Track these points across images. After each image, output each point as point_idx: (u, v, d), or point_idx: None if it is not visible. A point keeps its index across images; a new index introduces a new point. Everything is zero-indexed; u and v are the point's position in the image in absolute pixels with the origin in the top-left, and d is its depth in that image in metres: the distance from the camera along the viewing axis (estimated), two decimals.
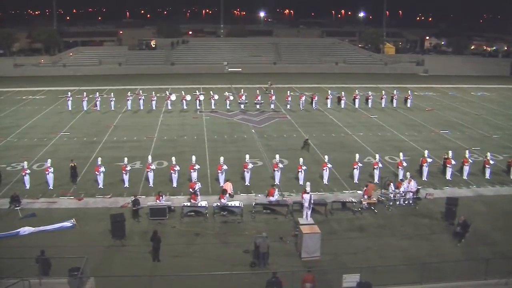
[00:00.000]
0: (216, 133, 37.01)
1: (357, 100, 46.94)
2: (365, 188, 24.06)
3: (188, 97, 45.68)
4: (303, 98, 46.03)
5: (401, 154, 27.70)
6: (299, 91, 52.56)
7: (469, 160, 27.90)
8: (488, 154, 28.48)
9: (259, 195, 24.74)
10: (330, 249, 19.50)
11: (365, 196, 23.69)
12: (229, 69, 71.31)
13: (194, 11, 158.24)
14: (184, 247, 19.76)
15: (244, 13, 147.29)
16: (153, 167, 26.22)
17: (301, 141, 35.10)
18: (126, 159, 26.63)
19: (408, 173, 25.57)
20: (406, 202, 24.16)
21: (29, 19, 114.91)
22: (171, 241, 20.18)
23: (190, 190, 23.50)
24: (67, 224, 21.23)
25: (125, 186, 25.90)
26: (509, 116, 44.20)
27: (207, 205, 22.51)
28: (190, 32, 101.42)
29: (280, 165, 26.45)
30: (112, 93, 46.23)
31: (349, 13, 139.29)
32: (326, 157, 27.41)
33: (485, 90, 58.72)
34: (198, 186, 23.46)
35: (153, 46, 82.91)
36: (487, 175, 27.83)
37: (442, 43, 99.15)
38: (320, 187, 26.18)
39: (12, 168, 28.54)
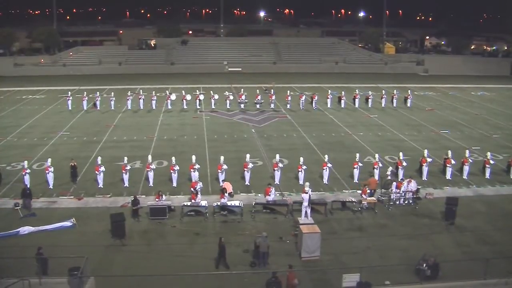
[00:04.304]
0: (216, 132, 37.01)
1: (357, 100, 46.94)
2: (363, 188, 24.08)
3: (188, 97, 45.71)
4: (303, 97, 46.02)
5: (400, 154, 27.71)
6: (299, 90, 52.55)
7: (469, 160, 27.89)
8: (489, 154, 28.47)
9: (259, 194, 24.73)
10: (330, 249, 19.48)
11: (364, 196, 23.67)
12: (229, 69, 71.31)
13: (194, 11, 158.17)
14: (184, 247, 19.75)
15: (244, 13, 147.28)
16: (153, 166, 26.22)
17: (301, 140, 35.16)
18: (126, 158, 26.61)
19: (393, 171, 25.65)
20: (406, 202, 24.15)
21: (29, 18, 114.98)
22: (171, 241, 20.19)
23: (192, 189, 23.50)
24: (67, 223, 21.23)
25: (125, 185, 25.90)
26: (509, 116, 44.17)
27: (207, 205, 22.50)
28: (190, 32, 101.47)
29: (280, 165, 26.45)
30: (112, 93, 46.22)
31: (349, 13, 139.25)
32: (326, 156, 27.42)
33: (485, 90, 58.71)
34: (199, 185, 23.48)
35: (153, 45, 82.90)
36: (487, 175, 27.81)
37: (442, 42, 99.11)
38: (320, 186, 26.18)
39: (12, 167, 28.53)
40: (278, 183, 26.17)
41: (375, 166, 26.97)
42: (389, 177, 25.13)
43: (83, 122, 40.38)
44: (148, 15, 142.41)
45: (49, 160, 26.28)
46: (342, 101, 46.42)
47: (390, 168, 25.92)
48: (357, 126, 39.39)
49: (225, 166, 25.99)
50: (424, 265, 17.00)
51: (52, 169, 25.66)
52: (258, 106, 44.85)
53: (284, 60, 75.04)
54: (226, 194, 23.14)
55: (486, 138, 36.65)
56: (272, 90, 48.55)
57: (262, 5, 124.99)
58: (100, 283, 16.09)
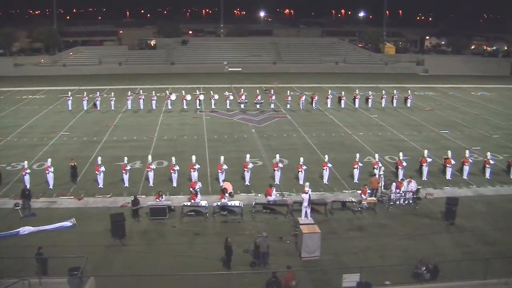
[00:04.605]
0: (216, 132, 37.01)
1: (357, 100, 46.94)
2: (363, 188, 24.08)
3: (188, 97, 45.73)
4: (303, 97, 46.02)
5: (400, 154, 27.70)
6: (299, 90, 52.55)
7: (469, 160, 27.89)
8: (488, 154, 28.47)
9: (259, 194, 24.74)
10: (330, 249, 19.49)
11: (364, 196, 23.67)
12: (229, 69, 71.33)
13: (194, 11, 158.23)
14: (184, 247, 19.76)
15: (244, 13, 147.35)
16: (153, 166, 26.22)
17: (301, 140, 35.17)
18: (126, 158, 26.61)
19: (392, 171, 25.59)
20: (406, 202, 24.16)
21: (29, 18, 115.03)
22: (171, 241, 20.20)
23: (191, 189, 23.51)
24: (67, 223, 21.24)
25: (125, 185, 25.90)
26: (509, 116, 44.18)
27: (207, 205, 22.50)
28: (190, 32, 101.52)
29: (280, 165, 26.45)
30: (112, 93, 46.22)
31: (349, 12, 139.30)
32: (326, 156, 27.42)
33: (485, 90, 58.70)
34: (198, 185, 23.49)
35: (153, 45, 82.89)
36: (487, 175, 27.81)
37: (442, 42, 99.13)
38: (320, 186, 26.18)
39: (12, 167, 28.53)
40: (278, 183, 26.17)
41: (375, 166, 26.94)
42: (380, 177, 25.14)
43: (83, 122, 40.38)
44: (148, 15, 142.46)
45: (49, 160, 26.29)
46: (342, 101, 46.42)
47: (383, 168, 25.89)
48: (357, 126, 39.39)
49: (225, 166, 25.99)
50: (423, 268, 16.90)
51: (52, 169, 25.66)
52: (258, 106, 44.86)
53: (284, 60, 75.03)
54: (227, 194, 23.16)
55: (486, 138, 36.66)
56: (272, 90, 48.53)
57: (262, 5, 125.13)
58: (100, 283, 16.09)
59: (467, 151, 28.69)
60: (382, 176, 25.28)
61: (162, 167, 28.65)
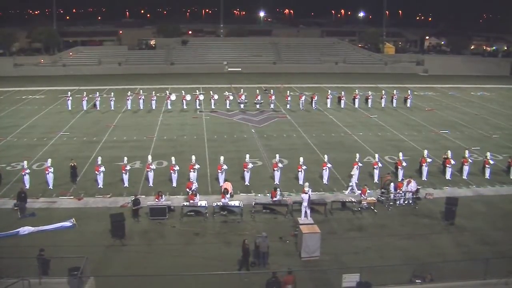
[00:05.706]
0: (216, 133, 37.01)
1: (357, 100, 46.95)
2: (362, 188, 24.09)
3: (188, 97, 45.71)
4: (303, 98, 46.04)
5: (400, 154, 27.71)
6: (299, 91, 52.53)
7: (469, 160, 27.90)
8: (488, 154, 28.49)
9: (259, 194, 24.75)
10: (330, 249, 19.50)
11: (363, 196, 23.67)
12: (229, 69, 71.33)
13: (194, 11, 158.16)
14: (184, 247, 19.77)
15: (244, 13, 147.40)
16: (153, 166, 26.22)
17: (301, 140, 35.17)
18: (126, 158, 26.61)
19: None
20: (406, 202, 24.18)
21: (29, 18, 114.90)
22: (171, 241, 20.20)
23: (187, 190, 23.53)
24: (67, 223, 21.24)
25: (124, 185, 25.90)
26: (509, 116, 44.19)
27: (206, 205, 22.50)
28: (190, 32, 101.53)
29: (280, 165, 26.46)
30: (112, 93, 46.23)
31: (349, 13, 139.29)
32: (326, 156, 27.42)
33: (485, 90, 58.72)
34: (194, 186, 23.47)
35: (153, 45, 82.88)
36: (487, 175, 27.82)
37: (442, 43, 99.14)
38: (320, 186, 26.18)
39: (12, 167, 28.53)
40: (278, 183, 26.17)
41: (375, 166, 27.00)
42: (353, 177, 25.05)
43: (83, 122, 40.38)
44: (148, 15, 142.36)
45: (49, 160, 26.28)
46: (342, 101, 46.43)
47: (355, 167, 25.97)
48: (357, 126, 39.39)
49: (225, 166, 25.98)
50: (419, 281, 16.76)
51: (52, 169, 25.66)
52: (258, 106, 44.87)
53: (284, 60, 75.02)
54: (228, 195, 23.14)
55: (486, 138, 36.66)
56: (272, 90, 48.48)
57: (262, 5, 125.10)
58: (100, 283, 16.09)
59: (466, 151, 28.70)
60: (354, 175, 25.32)
61: (162, 167, 28.65)
